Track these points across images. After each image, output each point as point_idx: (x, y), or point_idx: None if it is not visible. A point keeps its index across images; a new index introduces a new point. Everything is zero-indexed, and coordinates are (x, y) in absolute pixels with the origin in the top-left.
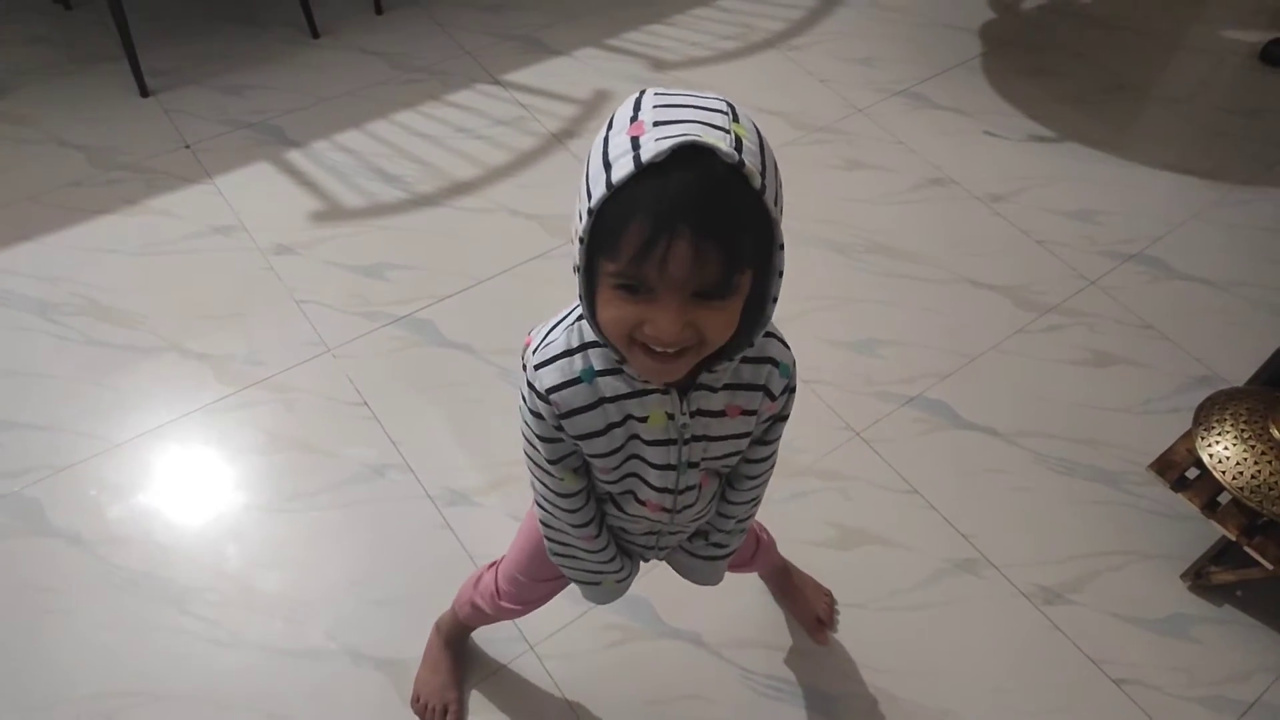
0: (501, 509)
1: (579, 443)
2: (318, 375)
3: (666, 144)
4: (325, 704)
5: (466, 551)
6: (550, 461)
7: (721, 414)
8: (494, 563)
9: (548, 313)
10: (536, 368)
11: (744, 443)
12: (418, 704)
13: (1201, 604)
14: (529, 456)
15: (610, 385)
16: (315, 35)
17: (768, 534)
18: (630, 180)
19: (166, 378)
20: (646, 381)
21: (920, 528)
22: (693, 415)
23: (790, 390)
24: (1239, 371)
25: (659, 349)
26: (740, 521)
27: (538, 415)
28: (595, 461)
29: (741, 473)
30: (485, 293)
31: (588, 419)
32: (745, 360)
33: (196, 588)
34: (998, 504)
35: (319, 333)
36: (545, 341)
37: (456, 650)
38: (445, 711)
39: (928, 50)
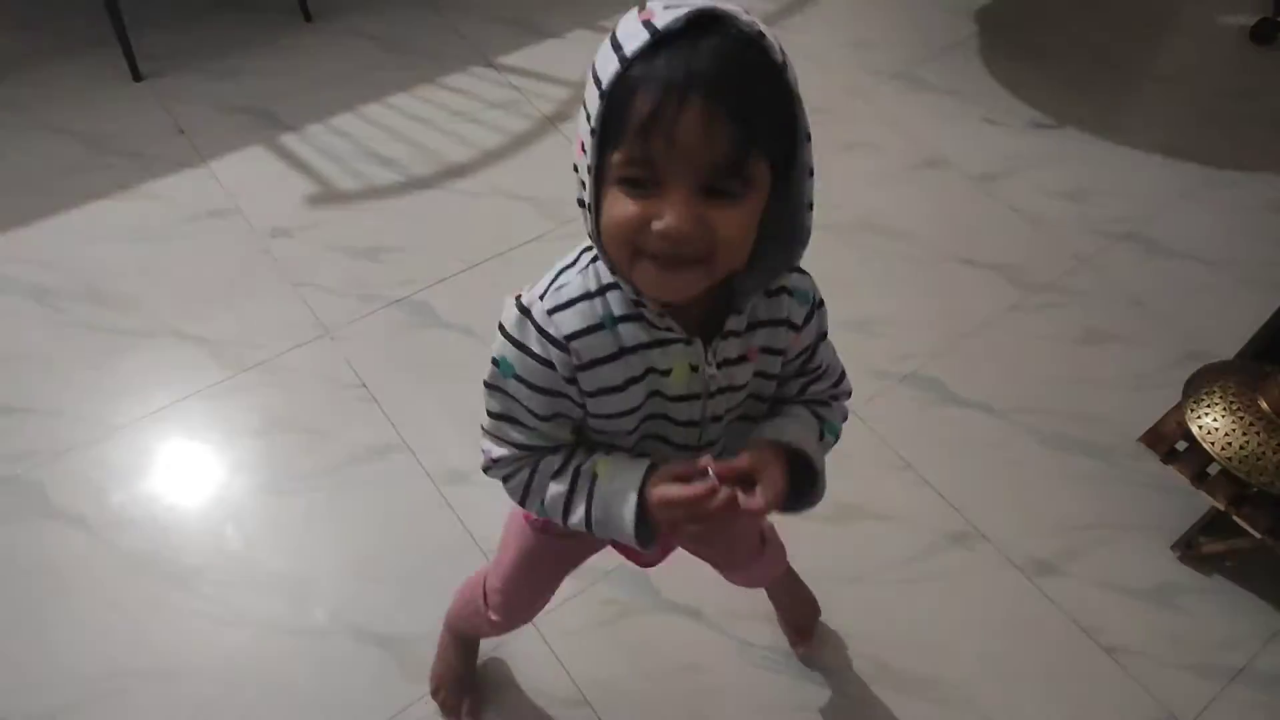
0: (499, 487)
1: (591, 401)
2: (316, 358)
3: (681, 12)
4: (328, 680)
5: (467, 530)
6: (543, 416)
7: (743, 359)
8: (481, 574)
9: None
10: (551, 312)
11: (768, 384)
12: (437, 696)
13: (1191, 574)
14: (501, 414)
15: (631, 333)
16: (308, 18)
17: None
18: (643, 53)
19: (165, 361)
20: (670, 328)
21: (914, 502)
22: (719, 366)
23: (816, 309)
24: (1228, 347)
25: (669, 251)
26: (840, 423)
27: (547, 365)
28: (607, 424)
29: (809, 394)
30: (482, 274)
31: (608, 371)
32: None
33: (199, 568)
34: (991, 478)
35: (316, 315)
36: (556, 285)
37: (469, 645)
38: (462, 703)
39: (922, 32)
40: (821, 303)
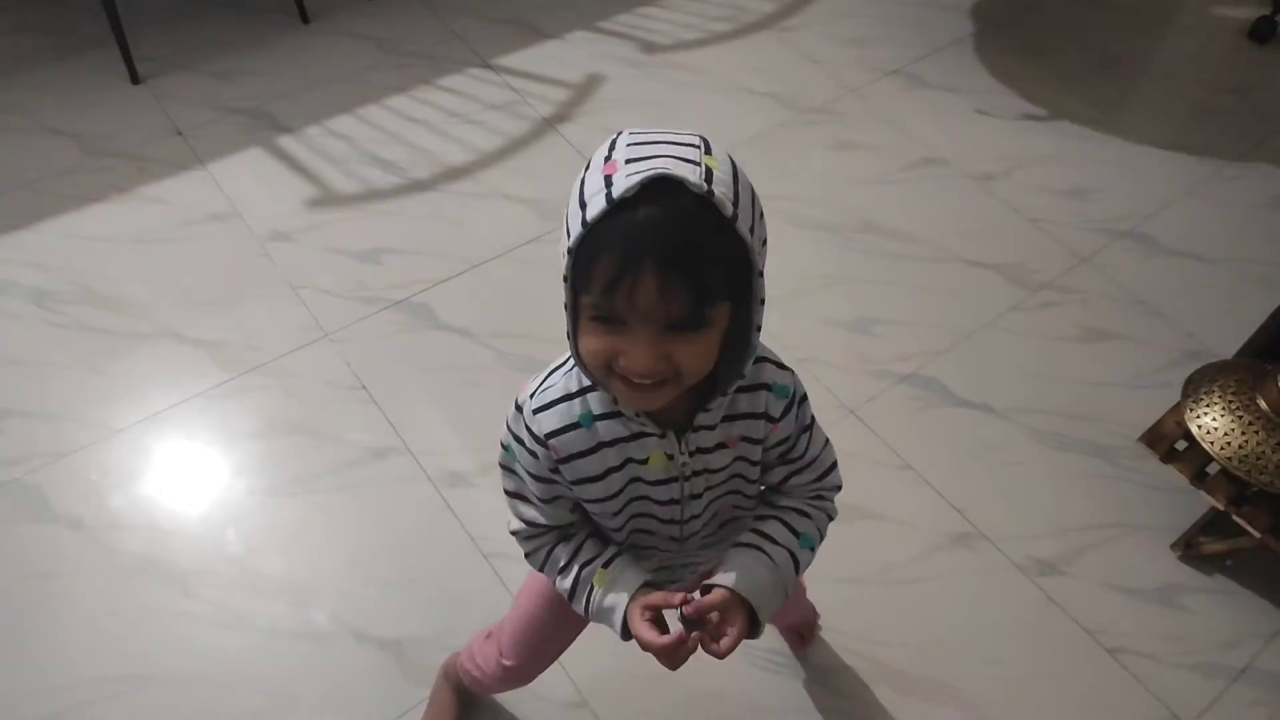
0: (499, 489)
1: (575, 488)
2: (315, 360)
3: (635, 178)
4: (330, 684)
5: (467, 532)
6: (544, 500)
7: (721, 446)
8: (488, 631)
9: (543, 295)
10: (535, 412)
11: (752, 469)
12: None
13: (1192, 573)
14: (514, 493)
15: (609, 429)
16: (305, 20)
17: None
18: (603, 217)
19: (164, 364)
20: (644, 425)
21: (916, 503)
22: (692, 454)
23: (797, 403)
24: (1228, 345)
25: (635, 380)
26: (817, 535)
27: (534, 456)
28: (594, 507)
29: (790, 485)
30: (481, 276)
31: (586, 463)
32: (739, 390)
33: (200, 571)
34: (992, 479)
35: (316, 318)
36: (543, 386)
37: (464, 699)
38: None
39: (920, 30)
40: (804, 398)
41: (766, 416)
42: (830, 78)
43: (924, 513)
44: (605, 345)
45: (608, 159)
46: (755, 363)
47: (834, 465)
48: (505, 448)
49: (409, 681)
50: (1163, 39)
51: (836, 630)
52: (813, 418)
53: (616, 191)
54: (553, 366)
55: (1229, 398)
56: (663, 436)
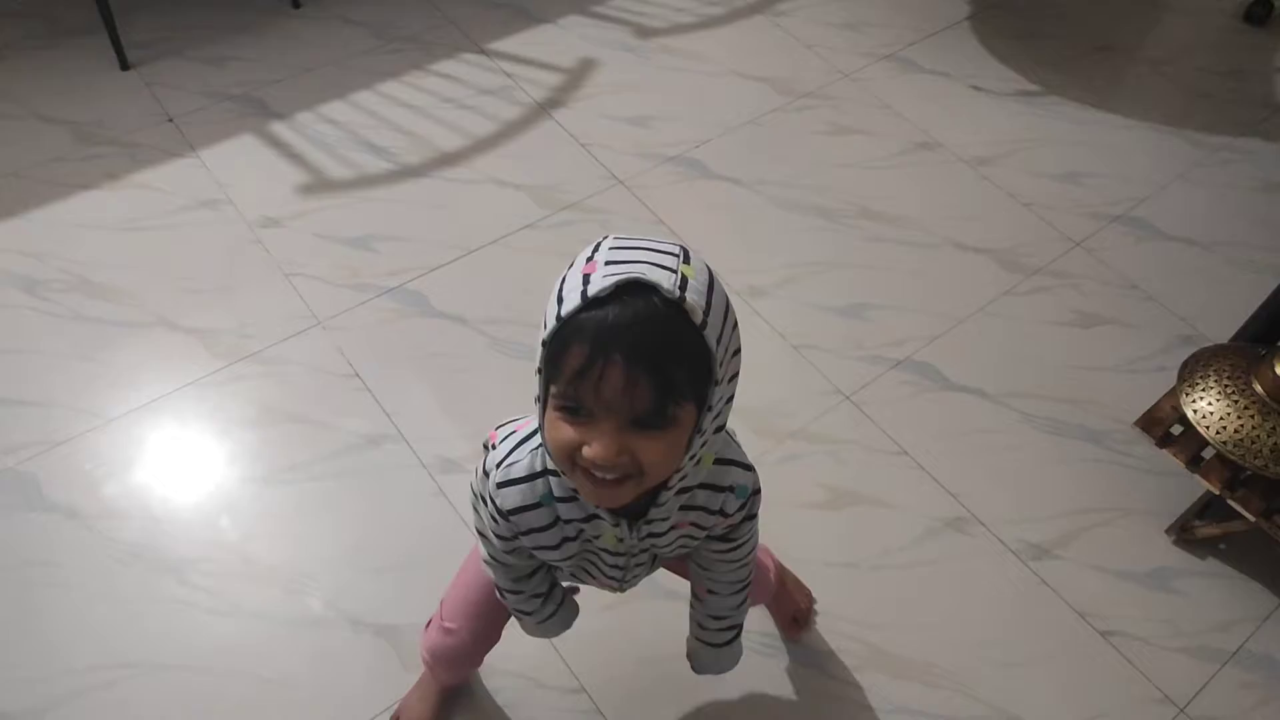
0: None
1: (534, 550)
2: (309, 348)
3: (611, 280)
4: (325, 671)
5: (462, 519)
6: (505, 551)
7: (672, 529)
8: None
9: (536, 282)
10: (500, 486)
11: (693, 541)
12: None
13: (1186, 557)
14: (479, 531)
15: (567, 510)
16: (296, 5)
17: (771, 559)
18: (578, 311)
19: (157, 353)
20: (598, 511)
21: (910, 488)
22: (642, 539)
23: (751, 497)
24: (1222, 330)
25: (598, 474)
26: (734, 608)
27: (495, 521)
28: (550, 561)
29: (714, 562)
30: (474, 263)
31: (544, 536)
32: (703, 486)
33: (194, 559)
34: (986, 463)
35: (309, 305)
36: (509, 460)
37: (449, 687)
38: None
39: (914, 14)
40: (758, 491)
41: (722, 513)
42: (823, 62)
43: (918, 497)
44: (570, 436)
45: (589, 259)
46: (723, 464)
47: (754, 553)
48: (475, 494)
49: (405, 668)
50: (1158, 22)
51: (830, 614)
52: (758, 509)
53: (592, 290)
54: (520, 437)
55: (1224, 382)
56: (615, 524)
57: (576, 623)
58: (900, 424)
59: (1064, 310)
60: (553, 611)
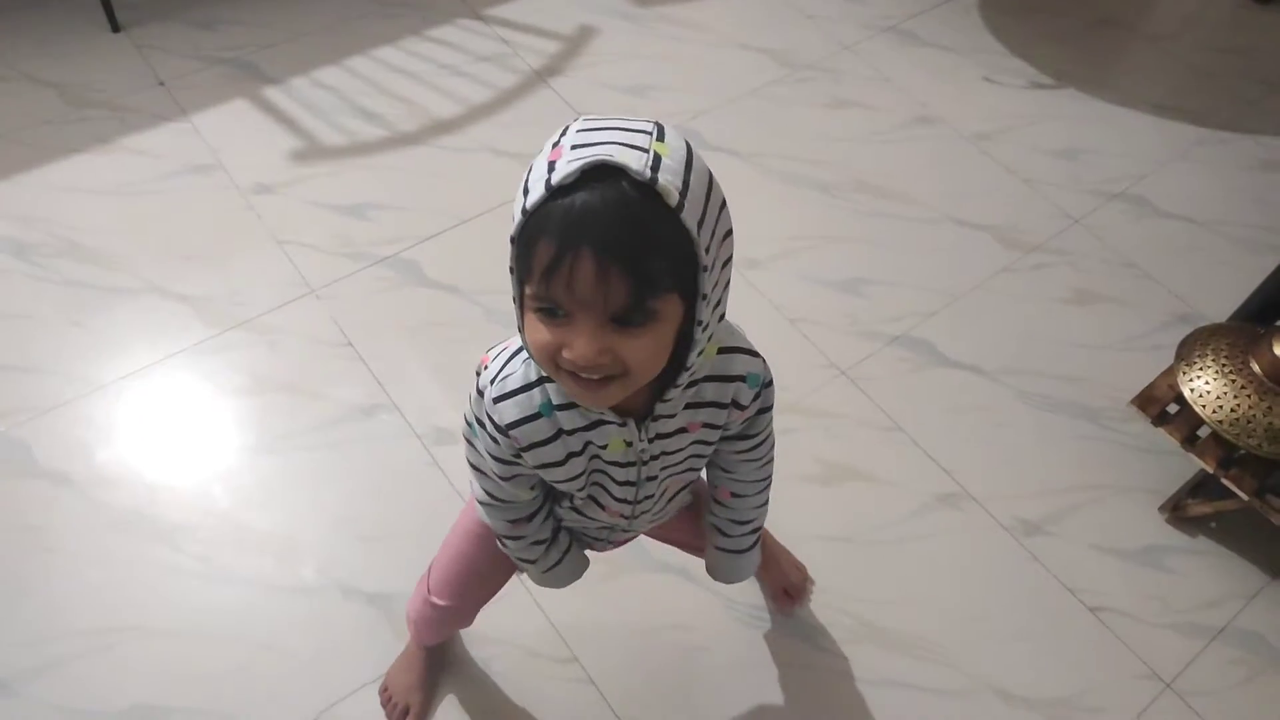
0: None
1: (538, 470)
2: (301, 316)
3: (575, 165)
4: (317, 637)
5: (455, 489)
6: (503, 478)
7: (682, 430)
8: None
9: None
10: (495, 401)
11: (706, 448)
12: (384, 695)
13: (1177, 535)
14: (475, 465)
15: (569, 418)
16: None
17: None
18: (543, 202)
19: (148, 319)
20: (602, 414)
21: (903, 463)
22: (651, 440)
23: (764, 388)
24: (1219, 309)
25: (582, 375)
26: (757, 508)
27: (495, 442)
28: (558, 485)
29: (737, 462)
30: (469, 233)
31: (547, 451)
32: (710, 379)
33: (186, 526)
34: (980, 440)
35: (301, 273)
36: (503, 374)
37: (434, 655)
38: (407, 711)
39: None
40: (771, 383)
41: (735, 405)
42: (824, 34)
43: (912, 473)
44: (549, 337)
45: (555, 145)
46: (728, 353)
47: (772, 449)
48: (468, 423)
49: (396, 636)
50: None
51: (822, 588)
52: (773, 401)
53: (556, 178)
54: (512, 350)
55: (1222, 361)
56: (622, 425)
57: (568, 593)
58: (895, 399)
59: (1062, 287)
60: (557, 560)
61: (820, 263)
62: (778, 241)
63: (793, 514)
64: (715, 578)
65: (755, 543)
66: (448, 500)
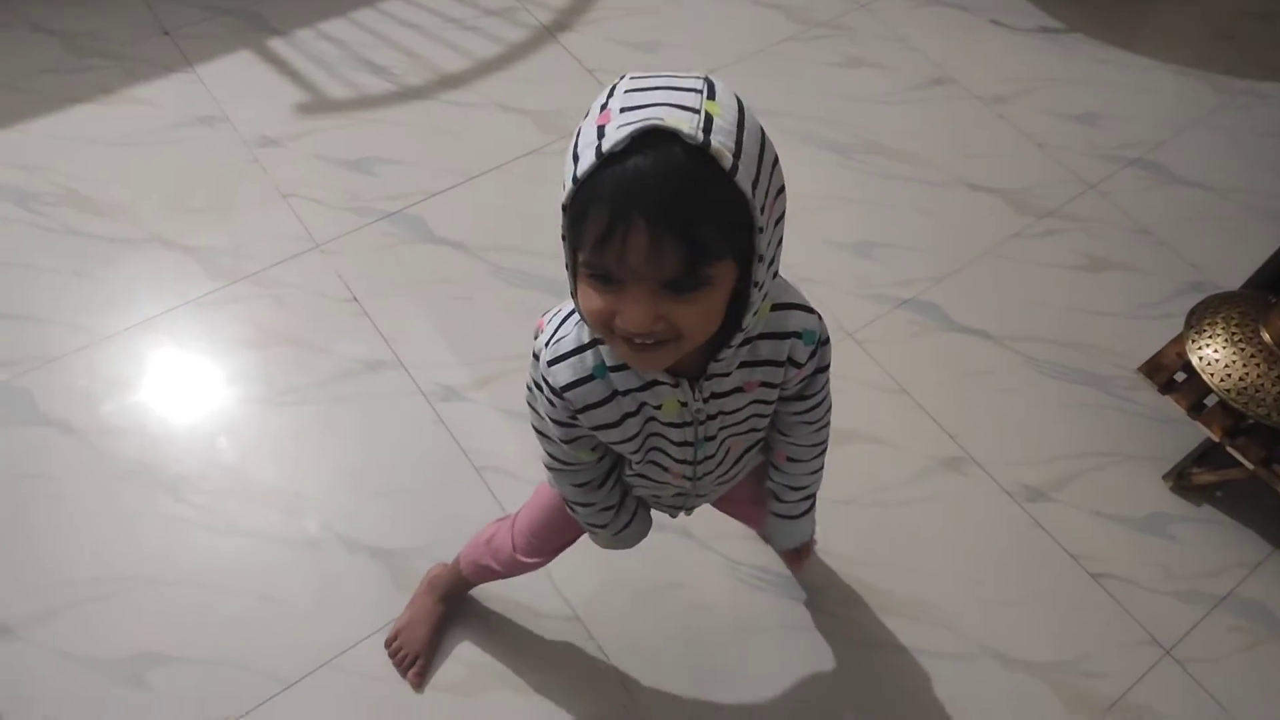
0: (492, 404)
1: (595, 432)
2: (306, 271)
3: (626, 130)
4: (320, 590)
5: (460, 446)
6: (564, 441)
7: (738, 390)
8: (507, 517)
9: (539, 209)
10: (550, 363)
11: (767, 408)
12: (391, 645)
13: (1182, 504)
14: (539, 430)
15: (622, 379)
16: None
17: None
18: (594, 170)
19: (153, 271)
20: (656, 374)
21: (908, 427)
22: (706, 400)
23: (821, 346)
24: (1233, 277)
25: (635, 340)
26: (812, 474)
27: (552, 404)
28: (615, 447)
29: (793, 424)
30: (476, 189)
31: (603, 412)
32: (764, 336)
33: (191, 477)
34: (986, 405)
35: (306, 228)
36: (556, 336)
37: (448, 607)
38: (414, 661)
39: None
40: (827, 340)
41: (791, 363)
42: None
43: (916, 437)
44: (602, 304)
45: (604, 107)
46: (782, 309)
47: (830, 411)
48: (529, 388)
49: (400, 589)
50: None
51: (825, 550)
52: (830, 360)
53: (607, 145)
54: (565, 313)
55: (1231, 330)
56: (675, 385)
57: (571, 553)
58: (902, 363)
59: (1073, 254)
60: (627, 522)
61: (830, 224)
62: (788, 201)
63: None
64: (771, 543)
65: (809, 509)
66: (452, 457)
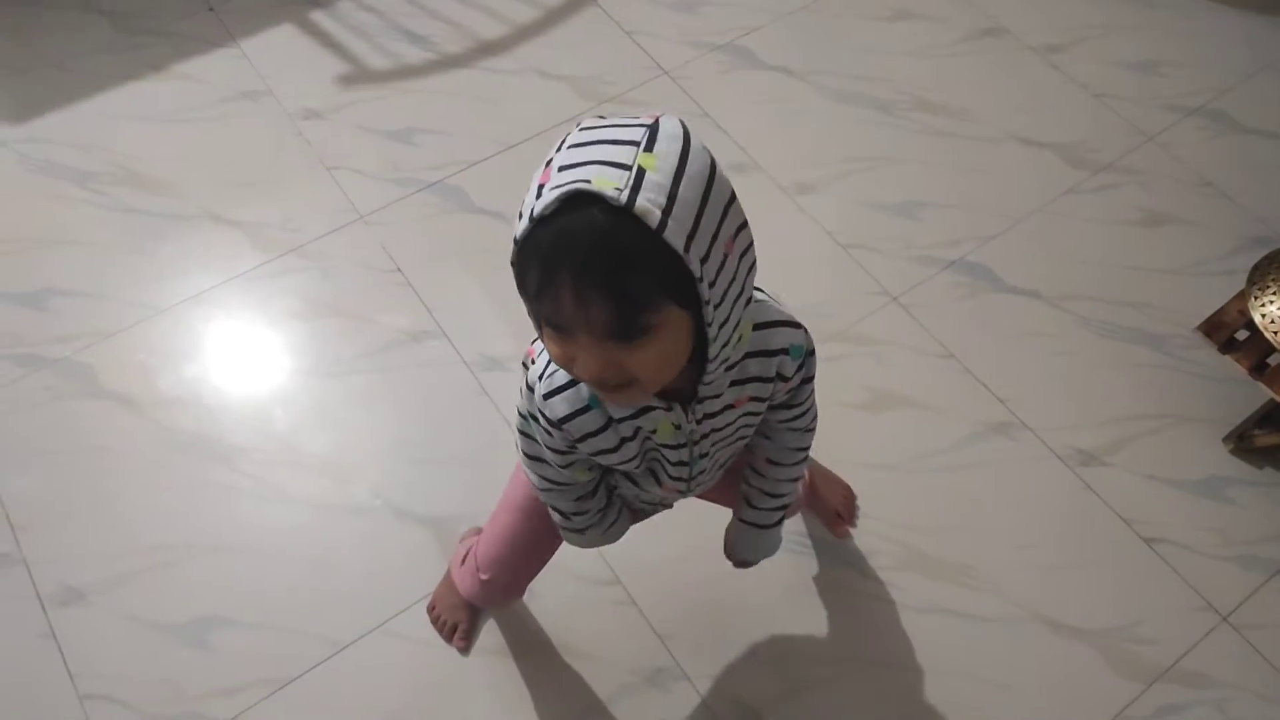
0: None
1: (594, 457)
2: (351, 242)
3: (555, 194)
4: (369, 557)
5: (502, 415)
6: (563, 466)
7: (729, 407)
8: (465, 551)
9: None
10: (545, 397)
11: (755, 418)
12: (432, 613)
13: (1242, 466)
14: (531, 456)
15: (617, 409)
16: None
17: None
18: (529, 231)
19: (204, 245)
20: (648, 400)
21: (955, 391)
22: (699, 421)
23: (807, 358)
24: None
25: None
26: (792, 480)
27: (549, 435)
28: (615, 466)
29: (779, 430)
30: (516, 158)
31: (601, 440)
32: (751, 355)
33: (245, 448)
34: (1037, 368)
35: (350, 200)
36: (549, 370)
37: None
38: (455, 628)
39: None
40: (812, 351)
41: (779, 378)
42: None
43: (964, 401)
44: (560, 351)
45: (548, 163)
46: (766, 328)
47: (815, 418)
48: (521, 416)
49: (446, 556)
50: None
51: (868, 515)
52: (815, 371)
53: (539, 208)
54: None
55: None
56: (668, 409)
57: None
58: (949, 327)
59: (1130, 209)
60: (615, 518)
61: (875, 185)
62: (831, 164)
63: (835, 440)
64: (733, 554)
65: (779, 521)
66: (496, 429)
